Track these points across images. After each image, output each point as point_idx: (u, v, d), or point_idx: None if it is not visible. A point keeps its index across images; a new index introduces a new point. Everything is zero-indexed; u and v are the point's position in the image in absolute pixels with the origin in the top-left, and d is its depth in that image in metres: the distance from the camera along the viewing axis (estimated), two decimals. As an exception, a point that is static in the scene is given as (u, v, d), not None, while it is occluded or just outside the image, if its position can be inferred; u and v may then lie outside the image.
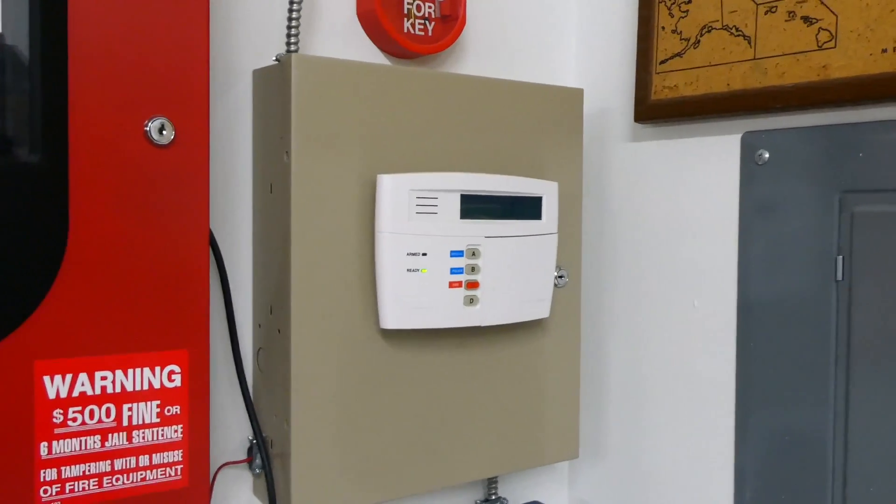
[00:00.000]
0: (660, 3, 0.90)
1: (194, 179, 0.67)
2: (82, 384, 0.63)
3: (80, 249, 0.62)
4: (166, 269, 0.66)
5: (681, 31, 0.88)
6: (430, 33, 0.89)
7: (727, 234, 0.87)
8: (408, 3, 0.87)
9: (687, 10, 0.87)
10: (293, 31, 0.78)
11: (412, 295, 0.77)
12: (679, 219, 0.92)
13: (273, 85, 0.76)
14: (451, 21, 0.90)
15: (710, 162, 0.89)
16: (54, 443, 0.63)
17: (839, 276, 0.75)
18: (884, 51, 0.71)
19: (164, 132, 0.65)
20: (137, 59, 0.64)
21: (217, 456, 0.79)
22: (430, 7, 0.89)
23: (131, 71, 0.64)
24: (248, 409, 0.78)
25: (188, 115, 0.67)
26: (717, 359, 0.88)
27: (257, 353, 0.80)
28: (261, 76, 0.79)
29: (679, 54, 0.88)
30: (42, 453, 0.62)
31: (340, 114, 0.75)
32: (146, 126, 0.64)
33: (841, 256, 0.75)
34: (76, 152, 0.61)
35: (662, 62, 0.90)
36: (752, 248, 0.83)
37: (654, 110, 0.91)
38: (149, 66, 0.65)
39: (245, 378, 0.79)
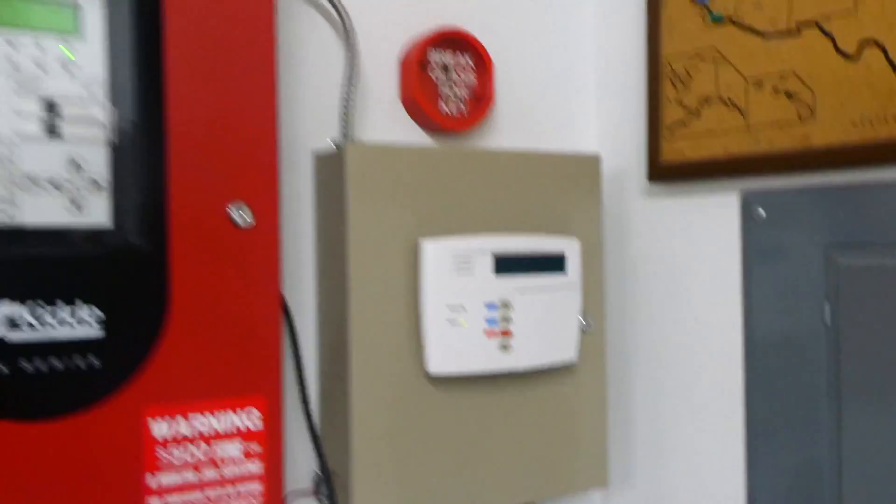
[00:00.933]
0: (665, 78, 1.02)
1: (268, 253, 0.80)
2: (181, 426, 0.77)
3: (179, 315, 0.75)
4: (246, 329, 0.79)
5: (684, 103, 0.99)
6: (463, 113, 1.02)
7: (732, 281, 0.97)
8: (443, 88, 1.01)
9: (688, 85, 0.99)
10: (346, 118, 0.92)
11: (453, 343, 0.90)
12: (690, 268, 1.03)
13: (331, 167, 0.90)
14: (481, 100, 1.03)
15: (715, 217, 1.00)
16: (159, 475, 0.76)
17: (828, 322, 0.85)
18: (854, 123, 0.81)
19: (244, 215, 0.79)
20: (222, 155, 0.78)
21: (289, 486, 0.91)
22: (463, 91, 1.02)
23: (217, 165, 0.78)
24: (315, 445, 0.91)
25: (263, 198, 0.80)
26: (728, 395, 0.98)
27: (323, 396, 0.93)
28: (320, 158, 0.93)
29: (683, 122, 1.00)
30: (149, 484, 0.75)
31: (389, 189, 0.88)
32: (229, 210, 0.78)
33: (828, 304, 0.85)
34: (174, 236, 0.75)
35: (669, 129, 1.01)
36: (754, 294, 0.94)
37: (664, 171, 1.02)
38: (230, 159, 0.78)
39: (313, 418, 0.91)
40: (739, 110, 0.93)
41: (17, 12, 0.70)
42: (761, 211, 0.92)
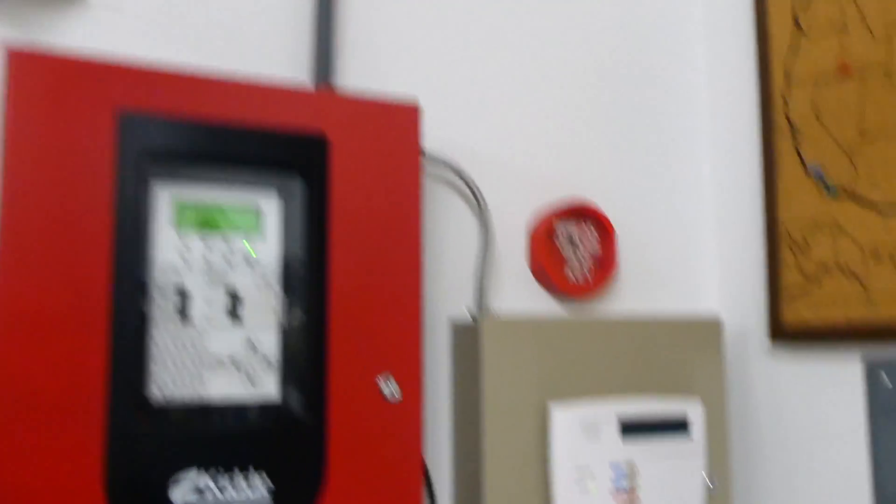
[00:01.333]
0: (783, 243, 1.07)
1: (412, 422, 0.88)
2: (333, 582, 0.84)
3: (335, 481, 0.84)
4: (390, 491, 0.87)
5: (803, 268, 1.04)
6: (588, 279, 1.09)
7: (857, 443, 0.98)
8: (569, 256, 1.09)
9: (807, 252, 1.03)
10: (480, 287, 1.01)
11: (582, 505, 0.94)
12: (814, 429, 1.04)
13: (467, 336, 0.98)
14: (605, 266, 1.10)
15: (839, 379, 1.01)
16: None
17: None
18: (976, 302, 0.84)
19: (393, 389, 0.87)
20: (373, 333, 0.88)
21: None
22: (587, 258, 1.10)
23: (370, 342, 0.87)
24: None
25: (408, 369, 0.89)
26: (864, 562, 0.97)
27: (457, 551, 0.99)
28: (457, 328, 1.02)
29: (802, 287, 1.03)
30: None
31: (520, 357, 0.96)
32: (379, 383, 0.87)
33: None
34: (332, 409, 0.85)
35: (789, 292, 1.05)
36: (883, 460, 0.94)
37: (785, 334, 1.05)
38: (380, 335, 0.88)
39: (448, 574, 0.97)
40: (858, 279, 0.96)
41: (215, 219, 0.83)
42: (886, 379, 0.94)
